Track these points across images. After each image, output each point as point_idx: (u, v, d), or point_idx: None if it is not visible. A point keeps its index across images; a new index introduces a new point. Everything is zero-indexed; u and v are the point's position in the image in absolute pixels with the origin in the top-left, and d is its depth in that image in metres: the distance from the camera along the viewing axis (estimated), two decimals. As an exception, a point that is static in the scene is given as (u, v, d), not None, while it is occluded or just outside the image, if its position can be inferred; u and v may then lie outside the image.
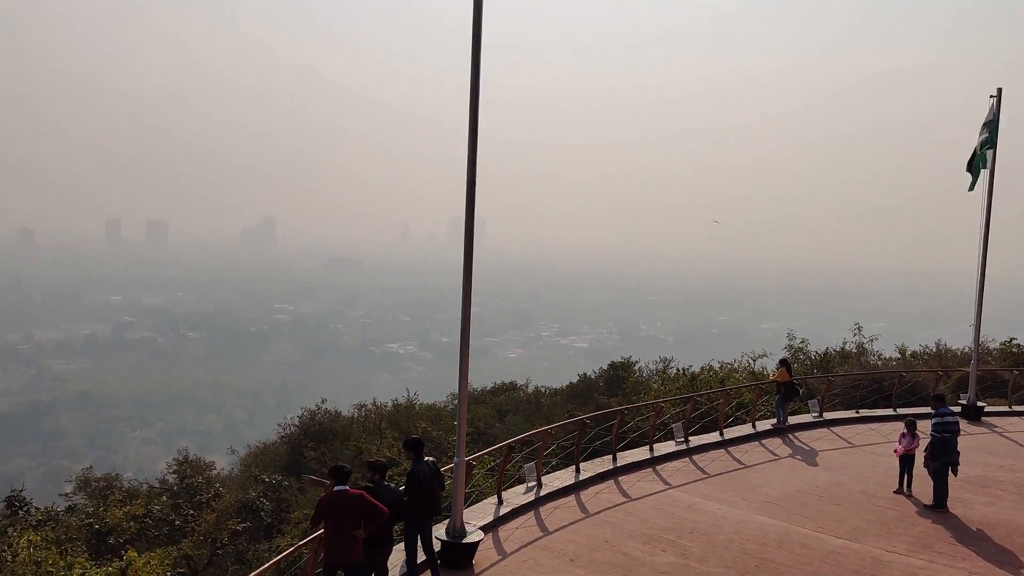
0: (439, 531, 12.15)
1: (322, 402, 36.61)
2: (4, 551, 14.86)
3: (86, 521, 21.48)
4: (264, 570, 9.89)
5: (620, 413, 19.14)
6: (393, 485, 10.92)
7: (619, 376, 36.61)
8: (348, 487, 9.74)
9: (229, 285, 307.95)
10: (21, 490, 21.44)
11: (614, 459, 18.31)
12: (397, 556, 11.58)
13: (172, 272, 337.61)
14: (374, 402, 37.01)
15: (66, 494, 26.08)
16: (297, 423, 35.82)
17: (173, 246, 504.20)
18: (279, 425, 37.51)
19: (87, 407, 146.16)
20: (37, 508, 20.88)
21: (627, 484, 16.94)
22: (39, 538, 15.79)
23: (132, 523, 21.77)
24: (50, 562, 14.85)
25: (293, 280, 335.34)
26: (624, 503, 15.67)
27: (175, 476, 27.32)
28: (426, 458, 11.23)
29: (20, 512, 20.00)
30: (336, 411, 36.42)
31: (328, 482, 9.90)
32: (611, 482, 17.06)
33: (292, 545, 12.72)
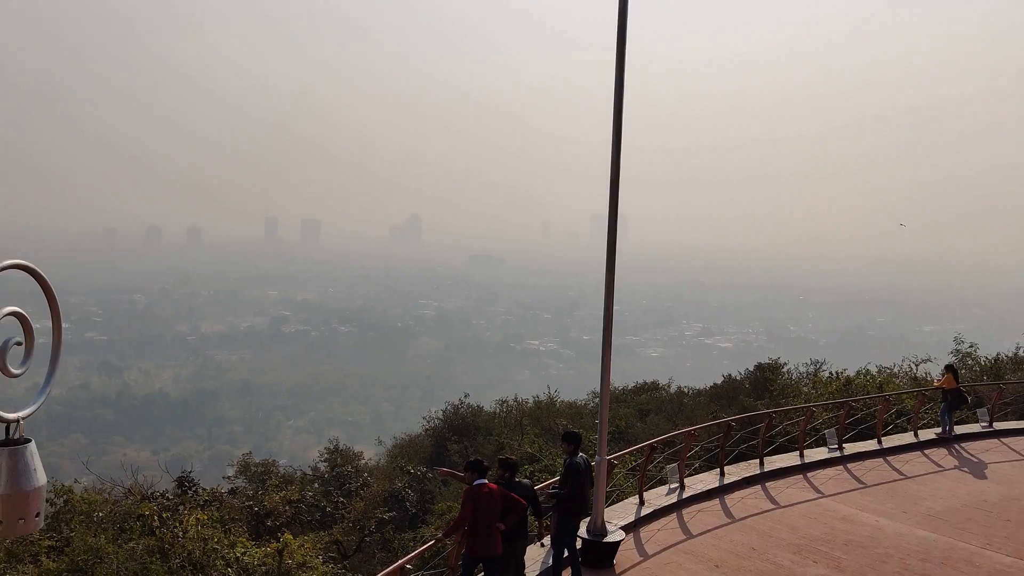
0: (579, 529, 12.07)
1: (465, 397, 37.25)
2: (176, 527, 15.94)
3: (247, 503, 22.79)
4: (410, 559, 10.12)
5: (767, 416, 18.42)
6: (527, 481, 10.97)
7: (766, 378, 35.28)
8: (487, 481, 9.84)
9: (377, 281, 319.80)
10: (190, 471, 22.98)
11: (761, 464, 17.65)
12: (532, 552, 11.60)
13: (324, 268, 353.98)
14: (515, 398, 37.34)
15: (228, 477, 27.75)
16: (441, 416, 36.62)
17: (325, 244, 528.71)
18: (423, 418, 38.47)
19: (247, 396, 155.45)
20: (204, 489, 22.32)
21: (775, 490, 16.28)
22: (206, 517, 16.84)
23: (287, 507, 22.90)
24: (215, 539, 15.83)
25: (437, 277, 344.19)
26: (772, 510, 15.06)
27: (326, 464, 28.55)
28: (580, 454, 11.23)
29: (189, 492, 21.45)
30: (478, 406, 36.97)
31: (462, 475, 10.04)
32: (758, 487, 16.45)
33: (435, 536, 12.99)
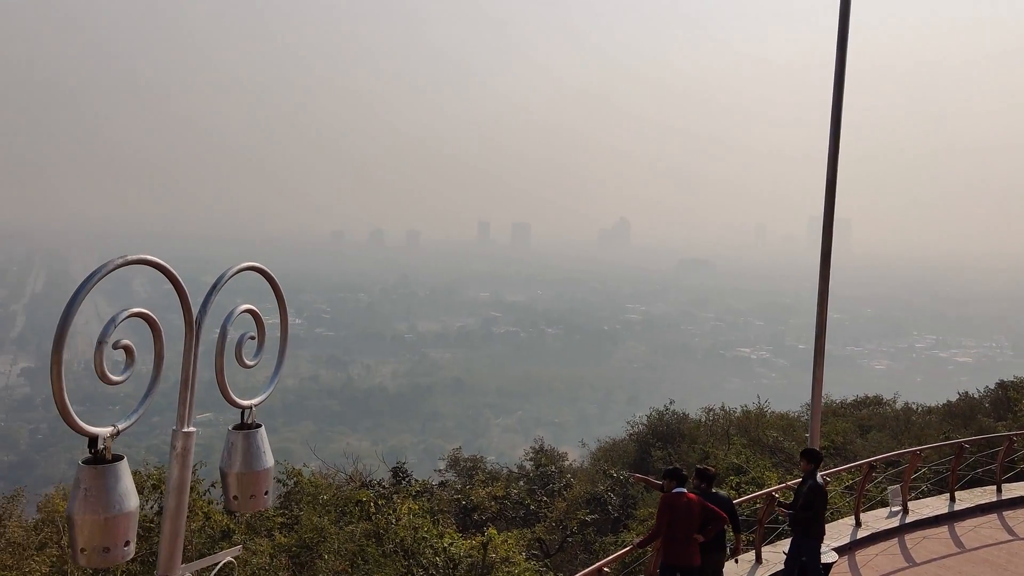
0: (785, 546, 11.52)
1: (670, 403, 36.61)
2: (390, 514, 16.92)
3: (455, 496, 23.77)
4: (610, 561, 10.12)
5: (1008, 439, 16.65)
6: (725, 493, 10.63)
7: (1010, 397, 31.89)
8: (685, 490, 9.62)
9: (585, 284, 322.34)
10: (404, 462, 24.30)
11: (998, 491, 15.98)
12: (729, 568, 11.19)
13: (533, 271, 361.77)
14: (722, 407, 36.19)
15: (439, 470, 29.05)
16: (645, 422, 36.23)
17: (535, 247, 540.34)
18: (627, 422, 38.22)
19: (459, 393, 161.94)
20: (416, 480, 23.52)
21: (1014, 520, 14.69)
22: (417, 507, 17.74)
23: (493, 503, 23.63)
24: (425, 529, 16.64)
25: (645, 280, 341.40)
26: (1010, 541, 13.60)
27: (531, 463, 29.12)
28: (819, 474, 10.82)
29: (403, 482, 22.69)
30: (684, 413, 36.22)
31: (659, 482, 9.88)
32: (994, 516, 14.92)
33: (632, 543, 12.89)
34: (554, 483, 26.75)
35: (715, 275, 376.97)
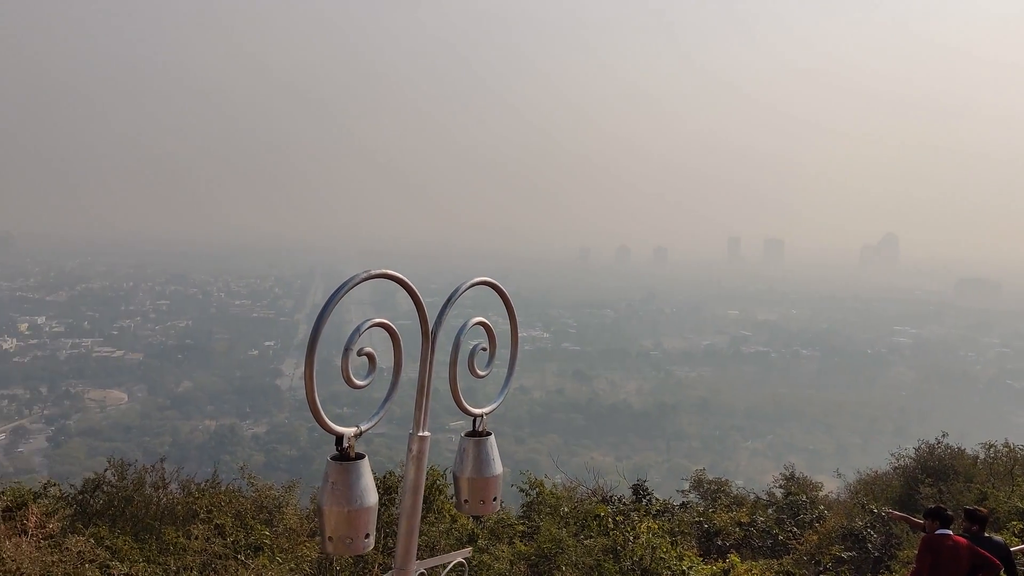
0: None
1: (943, 435, 33.25)
2: (628, 532, 16.85)
3: (697, 519, 23.16)
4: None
5: None
6: (1000, 538, 9.39)
7: None
8: (951, 532, 8.66)
9: (845, 303, 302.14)
10: (645, 480, 24.10)
11: None
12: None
13: (787, 289, 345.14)
14: (1006, 443, 32.30)
15: (682, 491, 28.46)
16: (912, 455, 33.17)
17: (788, 263, 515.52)
18: (892, 454, 35.21)
19: (705, 413, 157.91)
20: (657, 499, 23.24)
21: None
22: (656, 526, 17.52)
23: (737, 528, 22.74)
24: (663, 549, 16.38)
25: (916, 301, 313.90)
26: None
27: (781, 491, 27.70)
28: None
29: (643, 500, 22.50)
30: (959, 448, 32.69)
31: (920, 521, 8.96)
32: None
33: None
34: (805, 514, 25.24)
35: (1001, 297, 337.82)
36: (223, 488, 18.67)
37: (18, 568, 9.52)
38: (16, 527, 13.20)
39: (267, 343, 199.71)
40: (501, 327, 5.00)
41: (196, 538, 12.23)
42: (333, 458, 4.01)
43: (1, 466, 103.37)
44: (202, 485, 18.76)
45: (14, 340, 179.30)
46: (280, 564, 11.98)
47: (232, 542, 12.66)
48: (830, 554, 22.94)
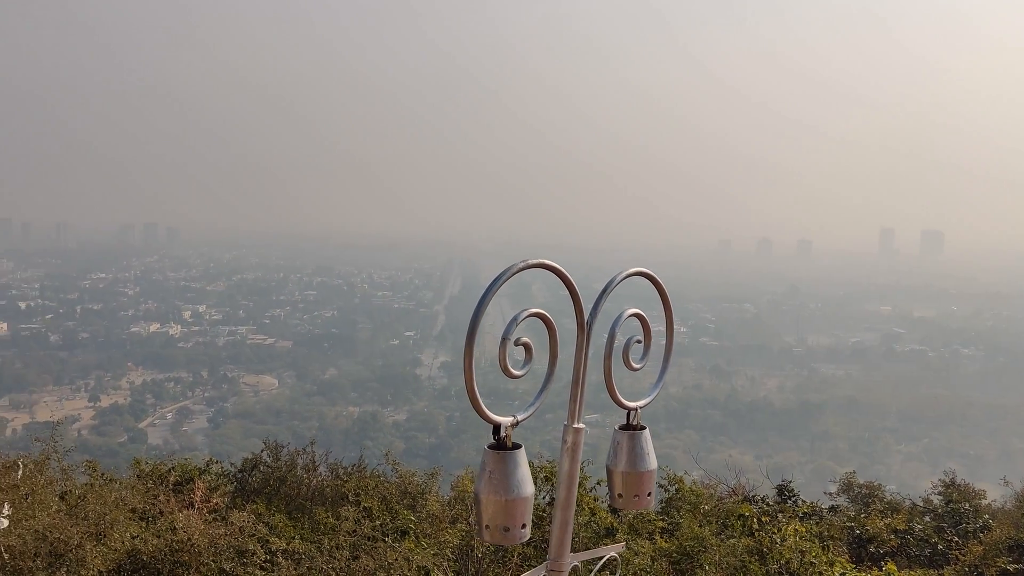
0: None
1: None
2: (774, 533, 16.29)
3: (847, 523, 22.11)
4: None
5: None
6: None
7: None
8: None
9: (1014, 300, 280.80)
10: (790, 481, 23.23)
11: None
12: None
13: (946, 284, 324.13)
14: None
15: (830, 493, 27.26)
16: (1089, 464, 30.52)
17: (949, 257, 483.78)
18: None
19: (852, 413, 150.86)
20: (803, 501, 22.34)
21: None
22: (804, 529, 16.84)
23: (892, 536, 21.56)
24: (812, 554, 15.72)
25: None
26: None
27: (940, 498, 26.10)
28: None
29: (788, 501, 21.70)
30: None
31: None
32: None
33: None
34: (968, 523, 23.64)
35: None
36: (368, 472, 19.39)
37: (188, 538, 10.18)
38: (184, 500, 14.18)
39: (407, 333, 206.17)
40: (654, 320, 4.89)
41: (346, 519, 12.72)
42: (490, 447, 4.01)
43: (168, 443, 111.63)
44: (349, 469, 19.55)
45: (179, 327, 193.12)
46: (425, 549, 12.29)
47: (380, 525, 13.11)
48: (995, 566, 21.40)
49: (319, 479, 18.74)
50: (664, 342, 4.95)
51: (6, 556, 8.57)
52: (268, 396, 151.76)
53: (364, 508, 14.49)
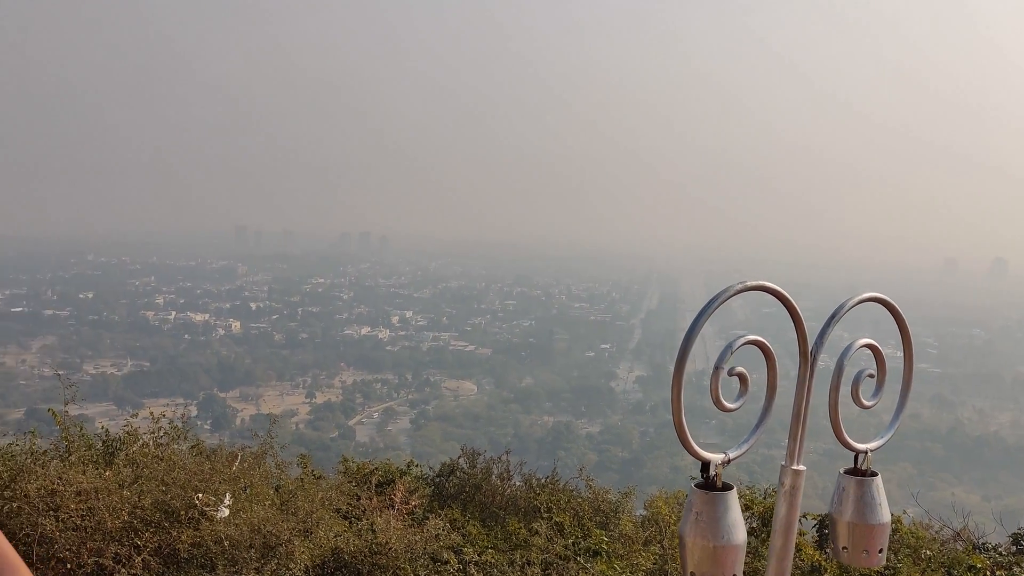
0: None
1: None
2: (1009, 589, 14.46)
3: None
4: None
5: None
6: None
7: None
8: None
9: None
10: (1028, 529, 20.64)
11: None
12: None
13: None
14: None
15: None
16: None
17: None
18: None
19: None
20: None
21: None
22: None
23: None
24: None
25: None
26: None
27: None
28: None
29: (1026, 552, 19.26)
30: None
31: None
32: None
33: None
34: None
35: None
36: (561, 485, 19.25)
37: (387, 540, 10.43)
38: (385, 501, 14.67)
39: (603, 345, 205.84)
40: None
41: (538, 534, 12.62)
42: (698, 486, 3.64)
43: (374, 441, 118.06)
44: (542, 480, 19.51)
45: (388, 331, 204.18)
46: (619, 572, 11.93)
47: (572, 543, 12.89)
48: None
49: (513, 488, 18.83)
50: (901, 375, 4.36)
51: (226, 544, 9.15)
52: (467, 401, 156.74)
53: (556, 523, 14.33)
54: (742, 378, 3.66)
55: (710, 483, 3.61)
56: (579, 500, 17.79)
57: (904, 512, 20.44)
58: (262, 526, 9.45)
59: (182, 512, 9.93)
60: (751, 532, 15.69)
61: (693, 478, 3.79)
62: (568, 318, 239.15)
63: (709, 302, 3.51)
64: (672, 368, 3.51)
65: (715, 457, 3.60)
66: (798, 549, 15.94)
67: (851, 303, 3.95)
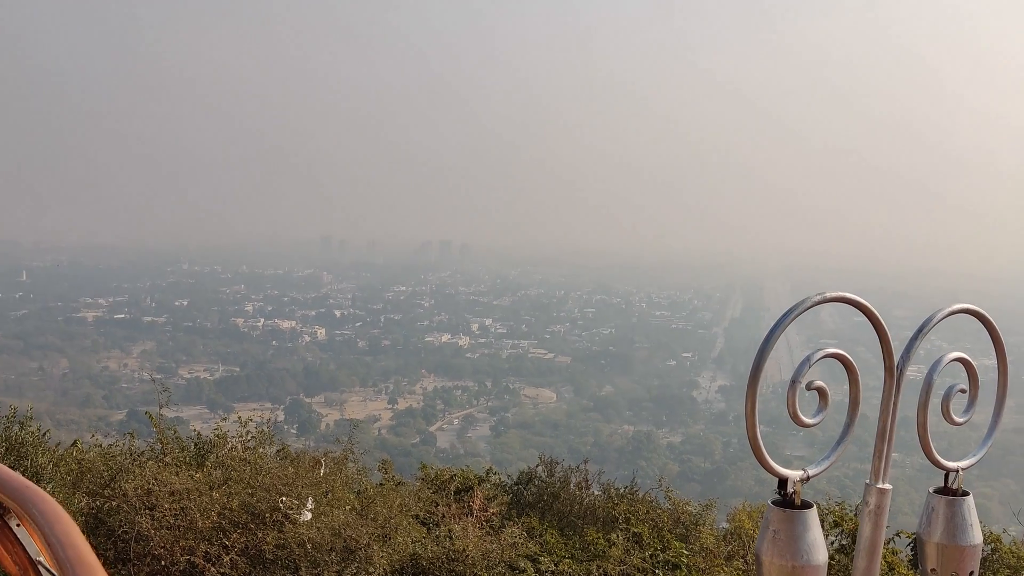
0: None
1: None
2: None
3: None
4: None
5: None
6: None
7: None
8: None
9: None
10: None
11: None
12: None
13: None
14: None
15: None
16: None
17: None
18: None
19: None
20: None
21: None
22: None
23: None
24: None
25: None
26: None
27: None
28: None
29: None
30: None
31: None
32: None
33: None
34: None
35: None
36: (640, 496, 19.03)
37: (464, 547, 10.50)
38: (463, 507, 14.78)
39: (684, 354, 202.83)
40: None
41: (615, 545, 12.51)
42: (775, 503, 3.54)
43: (454, 447, 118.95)
44: (621, 490, 19.33)
45: (467, 338, 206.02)
46: (698, 586, 11.72)
47: (650, 555, 12.73)
48: None
49: (591, 498, 18.72)
50: (995, 390, 4.17)
51: (308, 546, 9.37)
52: (546, 409, 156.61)
53: (634, 534, 14.18)
54: (821, 393, 3.56)
55: (788, 500, 3.51)
56: (658, 511, 17.56)
57: (1004, 531, 19.51)
58: (342, 530, 9.65)
59: (267, 514, 10.24)
60: (841, 550, 15.20)
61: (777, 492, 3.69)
62: (649, 326, 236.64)
63: (784, 314, 3.42)
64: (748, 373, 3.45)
65: (793, 474, 3.50)
66: (892, 568, 15.36)
67: (940, 315, 3.80)
